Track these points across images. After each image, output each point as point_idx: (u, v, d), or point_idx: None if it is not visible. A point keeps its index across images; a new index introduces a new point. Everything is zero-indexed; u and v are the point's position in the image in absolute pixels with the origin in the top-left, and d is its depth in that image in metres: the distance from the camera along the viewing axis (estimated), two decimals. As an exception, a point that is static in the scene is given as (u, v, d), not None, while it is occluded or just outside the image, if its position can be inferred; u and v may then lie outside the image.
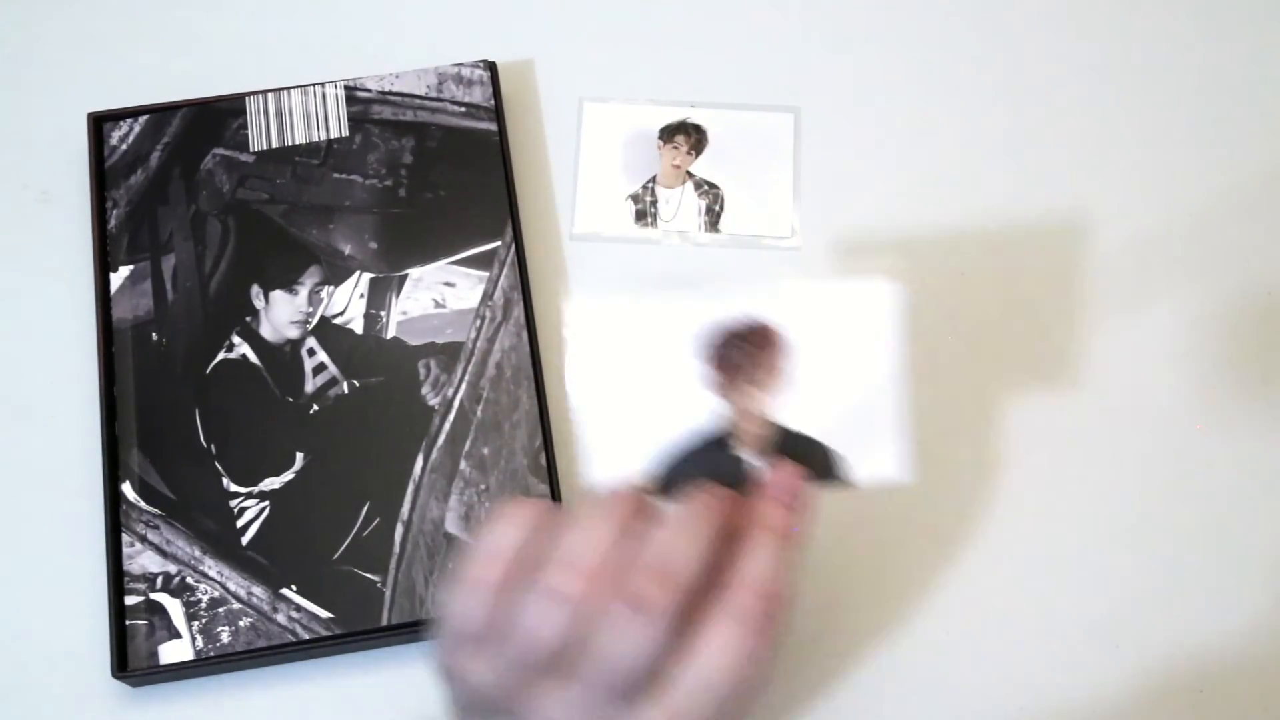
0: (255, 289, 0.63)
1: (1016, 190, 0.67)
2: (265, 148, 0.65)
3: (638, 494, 0.44)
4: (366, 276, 0.63)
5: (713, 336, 0.44)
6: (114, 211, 0.64)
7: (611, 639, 0.41)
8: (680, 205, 0.66)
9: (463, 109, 0.66)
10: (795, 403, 0.44)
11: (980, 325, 0.64)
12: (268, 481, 0.60)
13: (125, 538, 0.59)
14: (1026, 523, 0.61)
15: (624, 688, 0.41)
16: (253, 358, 0.62)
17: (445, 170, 0.65)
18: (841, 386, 0.44)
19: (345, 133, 0.65)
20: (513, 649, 0.42)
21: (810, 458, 0.44)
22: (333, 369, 0.61)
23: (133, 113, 0.66)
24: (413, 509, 0.59)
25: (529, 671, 0.42)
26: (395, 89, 0.66)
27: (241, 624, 0.57)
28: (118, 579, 0.58)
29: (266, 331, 0.62)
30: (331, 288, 0.63)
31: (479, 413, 0.61)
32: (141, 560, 0.58)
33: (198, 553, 0.59)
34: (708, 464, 0.44)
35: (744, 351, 0.43)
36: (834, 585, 0.60)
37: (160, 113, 0.66)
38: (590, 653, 0.41)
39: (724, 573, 0.42)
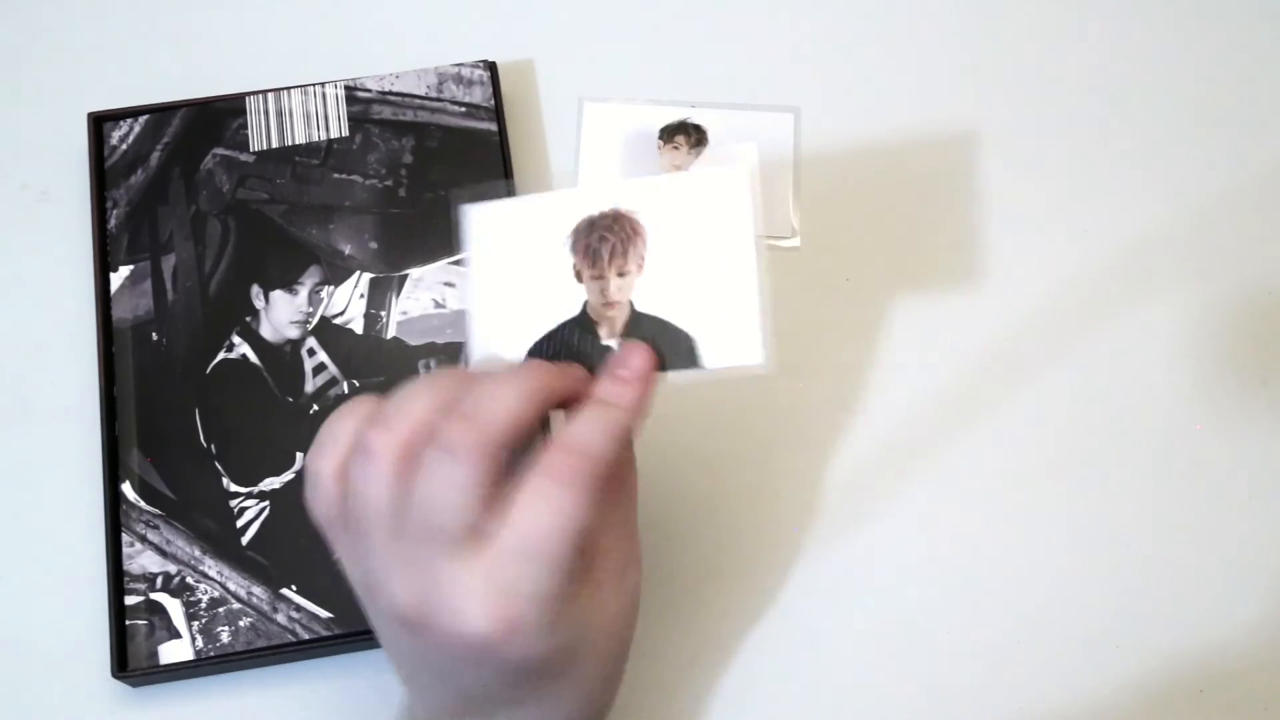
0: (255, 289, 0.63)
1: (1017, 190, 0.67)
2: (265, 148, 0.65)
3: (464, 369, 0.44)
4: (366, 276, 0.63)
5: (578, 227, 0.47)
6: (114, 211, 0.64)
7: (427, 486, 0.41)
8: (680, 205, 0.66)
9: (463, 109, 0.66)
10: (654, 290, 0.46)
11: (977, 326, 0.64)
12: (268, 481, 0.60)
13: (125, 538, 0.59)
14: (1025, 523, 0.61)
15: (444, 539, 0.41)
16: (253, 358, 0.62)
17: (445, 170, 0.65)
18: (698, 274, 0.46)
19: (345, 133, 0.65)
20: (352, 517, 0.43)
21: (665, 341, 0.46)
22: (333, 369, 0.61)
23: (133, 113, 0.66)
24: (413, 509, 0.59)
25: (372, 536, 0.43)
26: (395, 89, 0.66)
27: (241, 624, 0.57)
28: (118, 579, 0.58)
29: (266, 331, 0.62)
30: (331, 288, 0.63)
31: (479, 413, 0.61)
32: (141, 560, 0.58)
33: (198, 553, 0.59)
34: (568, 347, 0.46)
35: (605, 240, 0.46)
36: (830, 583, 0.60)
37: (160, 113, 0.66)
38: (411, 503, 0.42)
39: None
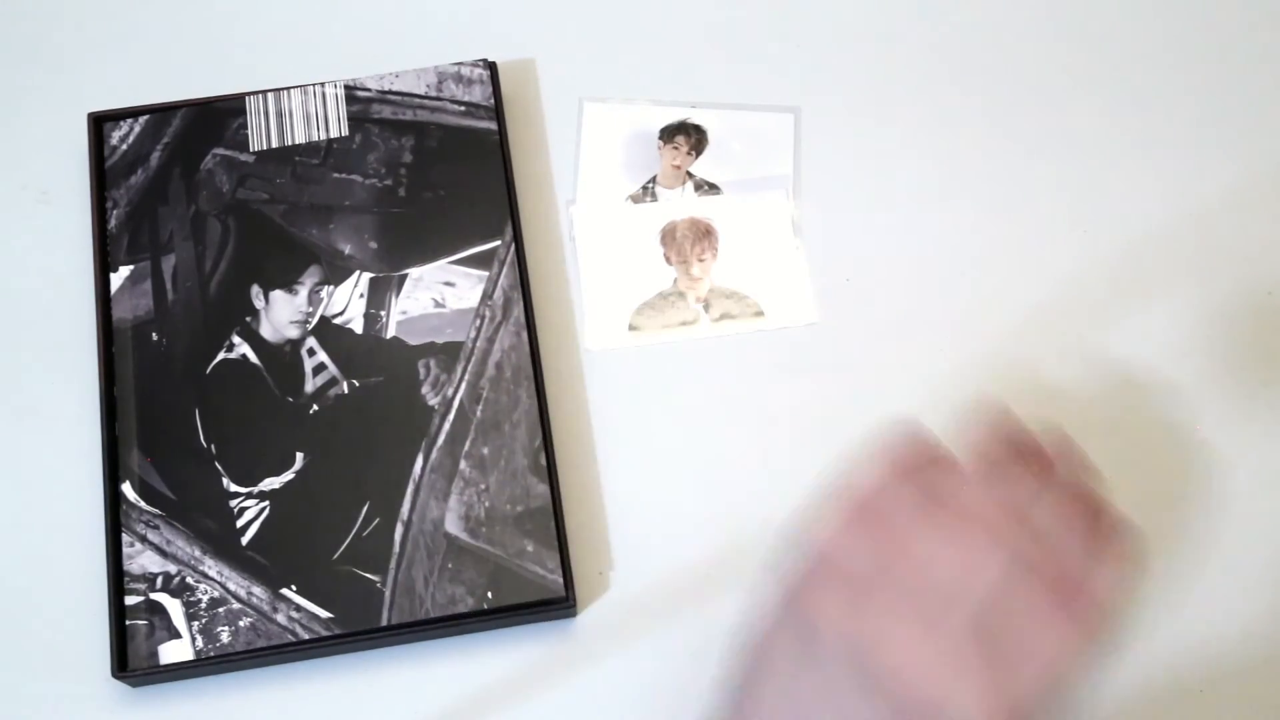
0: (255, 289, 0.63)
1: (1018, 190, 0.67)
2: (265, 147, 0.65)
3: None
4: (366, 276, 0.63)
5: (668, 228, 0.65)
6: (114, 211, 0.64)
7: (1009, 598, 0.40)
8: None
9: (463, 108, 0.66)
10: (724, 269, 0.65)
11: (983, 324, 0.64)
12: (268, 481, 0.60)
13: (125, 538, 0.59)
14: (1026, 523, 0.61)
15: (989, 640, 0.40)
16: (253, 358, 0.62)
17: (445, 170, 0.65)
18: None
19: (345, 132, 0.65)
20: (893, 586, 0.41)
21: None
22: (333, 369, 0.61)
23: (133, 113, 0.66)
24: (413, 509, 0.59)
25: (894, 614, 0.41)
26: (395, 88, 0.66)
27: (241, 624, 0.57)
28: (118, 579, 0.58)
29: (266, 331, 0.62)
30: (331, 287, 0.63)
31: (479, 413, 0.61)
32: (141, 560, 0.58)
33: (198, 553, 0.59)
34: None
35: (686, 237, 0.65)
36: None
37: (160, 113, 0.66)
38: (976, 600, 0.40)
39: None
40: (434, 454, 0.60)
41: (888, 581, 0.41)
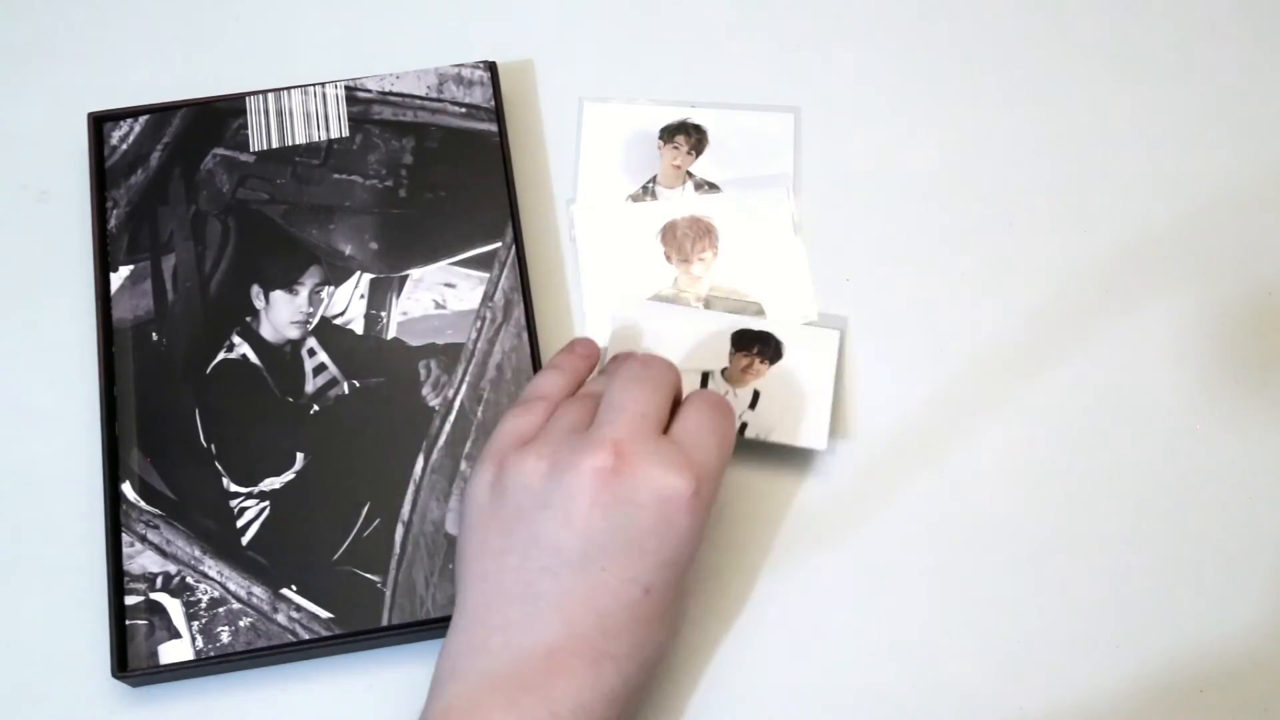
0: (255, 289, 0.63)
1: (1018, 189, 0.67)
2: (265, 148, 0.65)
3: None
4: (367, 277, 0.63)
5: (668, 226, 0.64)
6: (114, 211, 0.64)
7: (637, 404, 0.54)
8: (680, 205, 0.67)
9: (463, 110, 0.66)
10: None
11: (985, 324, 0.64)
12: (268, 482, 0.60)
13: (125, 538, 0.59)
14: (1025, 523, 0.61)
15: (650, 426, 0.53)
16: (253, 358, 0.62)
17: (446, 171, 0.65)
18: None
19: (345, 133, 0.65)
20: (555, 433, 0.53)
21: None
22: (333, 369, 0.61)
23: (133, 113, 0.66)
24: (413, 510, 0.59)
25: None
26: (395, 89, 0.66)
27: (241, 624, 0.57)
28: (118, 579, 0.58)
29: (267, 332, 0.62)
30: (332, 288, 0.63)
31: (480, 414, 0.61)
32: (141, 560, 0.58)
33: (198, 553, 0.59)
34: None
35: (689, 235, 0.65)
36: (830, 583, 0.60)
37: (160, 113, 0.66)
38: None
39: None
40: (435, 455, 0.60)
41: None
